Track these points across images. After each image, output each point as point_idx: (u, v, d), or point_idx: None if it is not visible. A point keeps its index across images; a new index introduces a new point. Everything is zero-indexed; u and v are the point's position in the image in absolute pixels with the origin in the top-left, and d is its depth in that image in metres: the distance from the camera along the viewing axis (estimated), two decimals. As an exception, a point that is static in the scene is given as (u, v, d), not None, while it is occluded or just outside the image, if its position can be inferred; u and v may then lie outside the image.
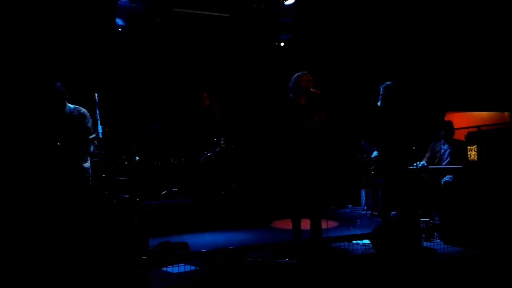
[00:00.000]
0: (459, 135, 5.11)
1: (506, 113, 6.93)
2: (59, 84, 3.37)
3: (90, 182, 3.39)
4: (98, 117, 3.10)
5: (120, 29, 5.49)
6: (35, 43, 4.42)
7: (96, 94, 3.29)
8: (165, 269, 2.88)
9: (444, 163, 4.85)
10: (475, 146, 4.70)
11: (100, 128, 3.06)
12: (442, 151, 4.93)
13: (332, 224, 5.09)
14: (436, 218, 4.53)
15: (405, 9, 5.96)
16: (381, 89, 3.86)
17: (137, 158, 3.73)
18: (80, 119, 3.40)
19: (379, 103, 3.89)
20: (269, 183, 5.78)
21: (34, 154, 3.26)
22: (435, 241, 3.60)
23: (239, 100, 7.02)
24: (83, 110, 3.46)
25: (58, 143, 3.17)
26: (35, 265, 2.43)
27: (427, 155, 4.98)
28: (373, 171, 4.12)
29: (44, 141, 3.23)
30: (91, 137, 3.37)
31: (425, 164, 4.71)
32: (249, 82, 6.95)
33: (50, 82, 3.39)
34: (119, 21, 5.38)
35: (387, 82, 3.84)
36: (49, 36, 4.72)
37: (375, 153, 3.94)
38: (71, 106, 3.43)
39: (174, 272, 2.68)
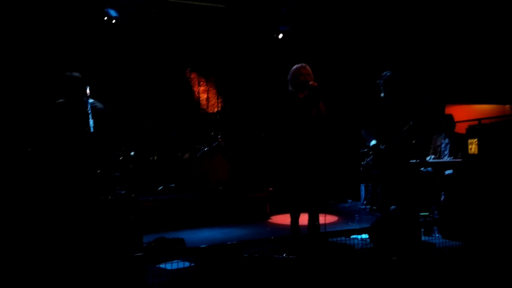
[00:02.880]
0: (460, 128, 5.04)
1: (507, 106, 6.86)
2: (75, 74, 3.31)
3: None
4: (90, 111, 3.04)
5: (113, 21, 5.38)
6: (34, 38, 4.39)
7: (88, 88, 3.22)
8: (160, 265, 2.83)
9: (444, 157, 4.80)
10: (476, 139, 4.63)
11: (91, 122, 3.00)
12: (443, 145, 4.87)
13: (332, 218, 5.06)
14: (436, 212, 4.49)
15: (405, 1, 5.87)
16: (381, 80, 3.78)
17: (132, 153, 3.66)
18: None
19: (382, 94, 3.81)
20: (267, 178, 5.73)
21: (26, 154, 3.22)
22: (434, 235, 3.56)
23: (239, 95, 6.94)
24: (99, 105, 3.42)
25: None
26: (32, 264, 2.39)
27: (431, 150, 4.94)
28: (371, 162, 4.05)
29: (38, 140, 3.18)
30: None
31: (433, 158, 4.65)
32: (249, 78, 6.85)
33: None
34: (112, 12, 5.28)
35: (386, 72, 3.75)
36: (45, 31, 4.68)
37: (373, 142, 3.85)
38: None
39: (170, 268, 2.64)
